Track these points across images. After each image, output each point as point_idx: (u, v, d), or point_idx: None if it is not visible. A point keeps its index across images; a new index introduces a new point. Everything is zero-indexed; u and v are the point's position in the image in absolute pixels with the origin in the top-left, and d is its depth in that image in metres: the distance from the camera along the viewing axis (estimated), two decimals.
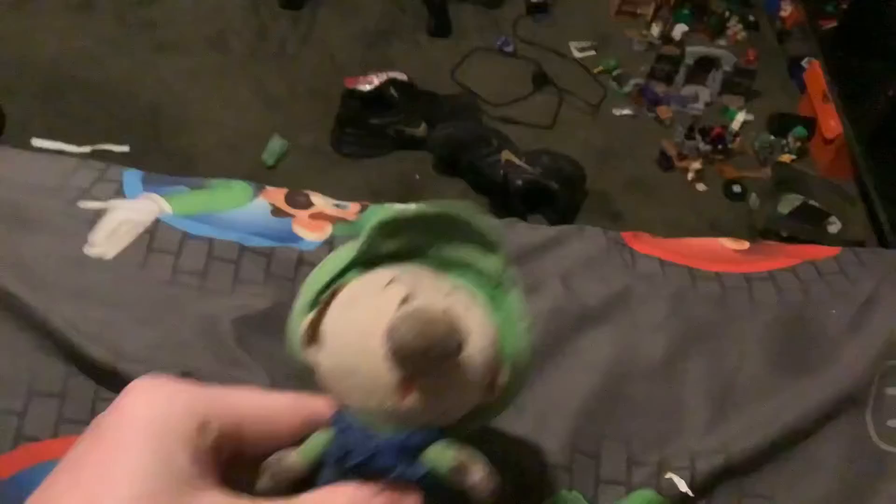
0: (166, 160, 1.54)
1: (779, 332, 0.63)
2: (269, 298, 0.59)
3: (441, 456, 0.35)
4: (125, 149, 1.46)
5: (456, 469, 0.34)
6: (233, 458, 0.34)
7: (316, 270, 0.40)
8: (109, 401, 0.52)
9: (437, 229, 0.39)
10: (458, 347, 0.33)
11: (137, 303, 0.57)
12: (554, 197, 1.61)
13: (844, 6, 1.94)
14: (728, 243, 0.73)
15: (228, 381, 0.53)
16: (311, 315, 0.38)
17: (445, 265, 0.40)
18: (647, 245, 0.71)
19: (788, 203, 1.70)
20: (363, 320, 0.35)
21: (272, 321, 0.58)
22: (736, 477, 0.56)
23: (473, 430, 0.39)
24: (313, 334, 0.38)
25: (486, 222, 0.39)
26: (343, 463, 0.35)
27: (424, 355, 0.33)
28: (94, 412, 0.52)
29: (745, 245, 0.73)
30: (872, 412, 0.59)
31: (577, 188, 1.67)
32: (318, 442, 0.35)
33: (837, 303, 0.65)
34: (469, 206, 0.39)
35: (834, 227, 1.67)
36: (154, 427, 0.30)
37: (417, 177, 1.67)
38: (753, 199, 1.72)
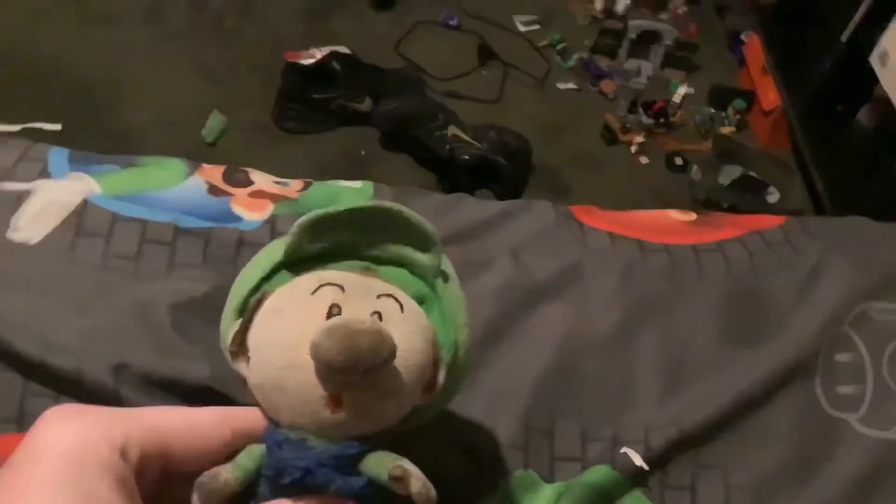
0: (101, 139, 1.47)
1: (728, 303, 0.63)
2: (209, 282, 0.56)
3: (379, 465, 0.34)
4: (57, 127, 1.40)
5: (395, 478, 0.33)
6: (162, 477, 0.32)
7: (243, 272, 0.39)
8: (39, 396, 0.49)
9: (369, 227, 0.38)
10: (387, 358, 0.32)
11: (66, 290, 0.54)
12: (501, 172, 1.60)
13: None
14: (676, 215, 0.73)
15: (167, 371, 0.51)
16: (236, 326, 0.36)
17: (378, 263, 0.38)
18: (596, 219, 0.70)
19: (729, 174, 1.72)
20: (289, 333, 0.34)
21: (212, 306, 0.55)
22: (690, 449, 0.56)
23: (411, 428, 0.38)
24: (240, 346, 0.36)
25: (419, 218, 0.38)
26: (278, 480, 0.34)
27: (352, 370, 0.32)
28: (22, 409, 0.49)
29: (693, 216, 0.73)
30: (822, 379, 0.60)
31: (523, 163, 1.66)
32: (251, 457, 0.34)
33: (784, 272, 0.66)
34: (400, 205, 0.37)
35: (773, 196, 1.70)
36: (70, 458, 0.29)
37: (363, 152, 1.64)
38: (695, 170, 1.74)
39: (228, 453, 0.34)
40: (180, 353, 0.52)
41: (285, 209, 0.63)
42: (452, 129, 1.61)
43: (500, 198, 0.77)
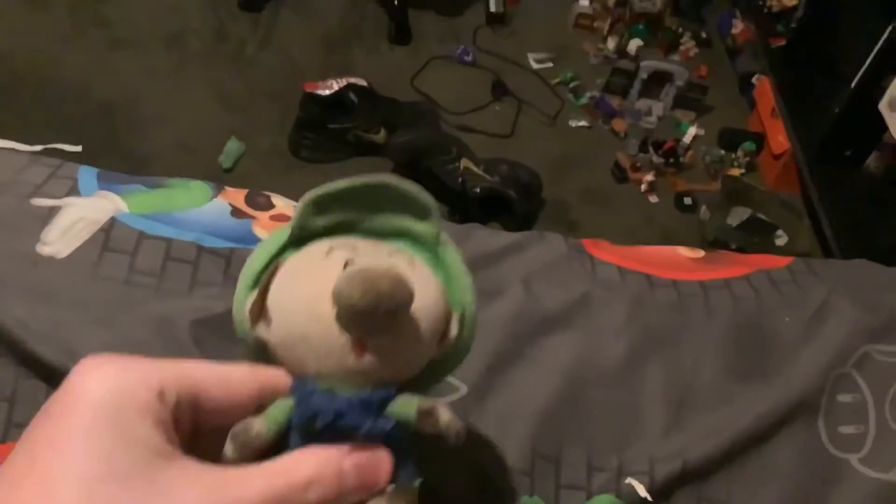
0: (120, 160, 1.50)
1: (734, 339, 0.64)
2: (228, 301, 0.57)
3: (407, 405, 0.35)
4: (78, 149, 1.42)
5: (424, 413, 0.34)
6: (194, 424, 0.33)
7: (253, 253, 0.40)
8: None
9: (368, 202, 0.39)
10: (407, 300, 0.33)
11: (92, 303, 0.55)
12: (512, 205, 1.62)
13: (794, 25, 2.00)
14: (684, 252, 0.74)
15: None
16: (253, 294, 0.37)
17: (380, 235, 0.40)
18: (606, 252, 0.72)
19: (737, 216, 1.74)
20: (308, 288, 0.35)
21: (231, 324, 0.57)
22: (694, 482, 0.57)
23: (431, 384, 0.39)
24: (259, 311, 0.37)
25: (416, 189, 0.39)
26: (309, 427, 0.34)
27: (373, 313, 0.32)
28: None
29: (701, 254, 0.74)
30: (825, 418, 0.61)
31: (534, 197, 1.69)
32: (280, 411, 0.35)
33: (790, 310, 0.67)
34: (396, 176, 0.39)
35: (781, 239, 1.72)
36: (109, 400, 0.29)
37: None
38: (704, 211, 1.76)
39: (256, 407, 0.35)
40: None
41: None
42: (465, 162, 1.64)
43: (510, 231, 0.79)
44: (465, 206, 1.60)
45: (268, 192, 0.69)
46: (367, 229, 0.39)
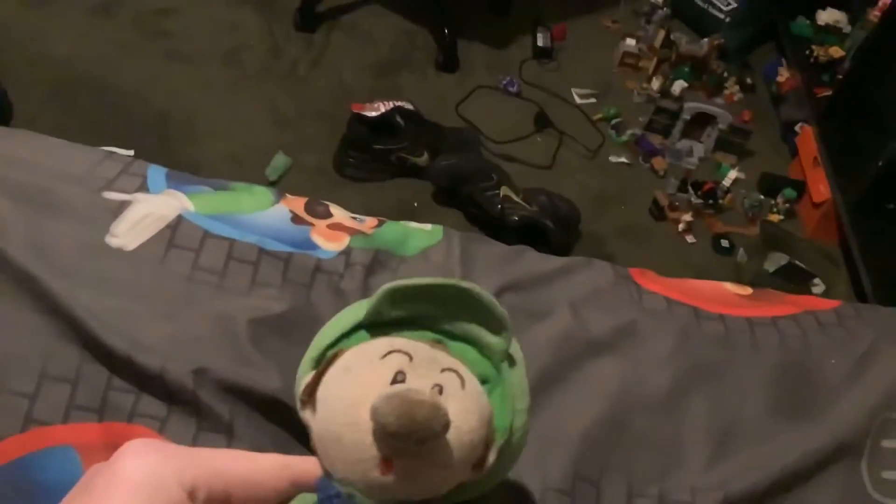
0: (170, 167, 1.54)
1: (780, 377, 0.64)
2: (285, 303, 0.60)
3: None
4: (130, 153, 1.46)
5: None
6: None
7: (326, 326, 0.42)
8: (121, 390, 0.53)
9: (446, 302, 0.40)
10: (441, 431, 0.34)
11: (155, 296, 0.57)
12: (548, 235, 1.63)
13: (840, 76, 2.00)
14: (731, 287, 0.75)
15: (241, 380, 0.53)
16: (309, 377, 0.39)
17: (450, 338, 0.41)
18: (652, 282, 0.72)
19: (774, 261, 1.73)
20: (354, 391, 0.37)
21: (287, 325, 0.59)
22: None
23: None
24: (310, 396, 0.39)
25: (493, 301, 0.40)
26: None
27: (406, 437, 0.34)
28: (104, 401, 0.52)
29: (748, 290, 0.75)
30: (868, 463, 0.61)
31: (571, 229, 1.69)
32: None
33: (837, 353, 0.67)
34: (478, 287, 0.40)
35: (818, 288, 1.70)
36: (144, 491, 0.32)
37: (416, 204, 1.69)
38: (741, 254, 1.75)
39: (282, 500, 0.37)
40: (255, 365, 0.55)
41: (360, 243, 0.66)
42: (505, 190, 1.65)
43: None
44: (501, 234, 1.61)
45: (326, 202, 0.71)
46: (438, 328, 0.41)
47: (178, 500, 0.33)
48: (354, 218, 0.70)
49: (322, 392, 0.39)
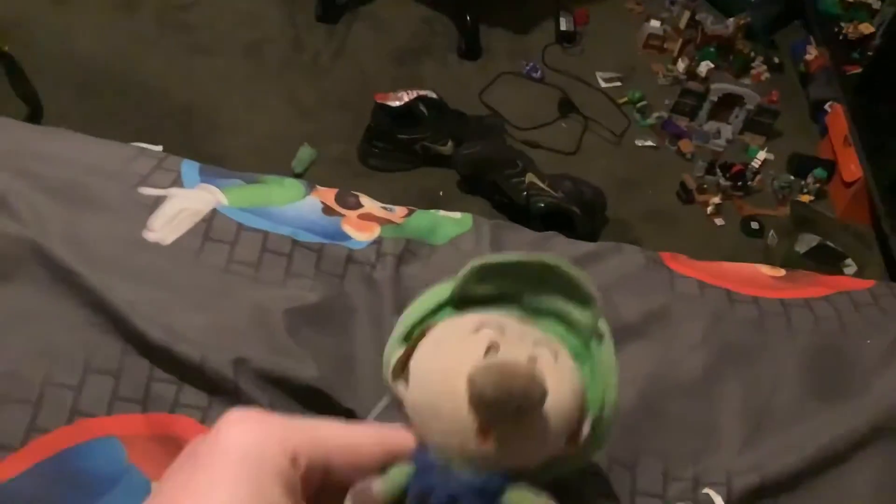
0: (196, 161, 1.56)
1: (814, 359, 0.64)
2: (319, 293, 0.60)
3: (521, 499, 0.36)
4: (159, 148, 1.48)
5: None
6: (321, 484, 0.35)
7: (412, 305, 0.42)
8: (163, 381, 0.54)
9: (532, 278, 0.40)
10: (538, 401, 0.35)
11: (192, 288, 0.58)
12: (574, 221, 1.62)
13: (870, 53, 1.96)
14: (765, 269, 0.74)
15: (279, 369, 0.54)
16: (400, 351, 0.39)
17: (536, 314, 0.40)
18: (684, 266, 0.72)
19: (805, 243, 1.71)
20: (449, 362, 0.37)
21: (321, 315, 0.59)
22: (770, 496, 0.57)
23: (549, 478, 0.39)
24: (403, 368, 0.39)
25: (582, 275, 0.39)
26: (424, 501, 0.36)
27: (504, 406, 0.34)
28: (147, 392, 0.53)
29: (782, 272, 0.74)
30: None
31: (597, 214, 1.69)
32: (400, 474, 0.37)
33: (872, 333, 0.66)
34: (564, 259, 0.39)
35: (850, 269, 1.68)
36: (249, 460, 0.32)
37: (441, 193, 1.69)
38: (771, 236, 1.73)
39: (379, 469, 0.37)
40: (292, 354, 0.55)
41: (391, 232, 0.67)
42: (530, 177, 1.65)
43: None
44: (528, 221, 1.61)
45: (357, 193, 0.71)
46: (525, 304, 0.40)
47: (282, 467, 0.33)
48: (385, 208, 0.71)
49: (415, 365, 0.39)
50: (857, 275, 1.65)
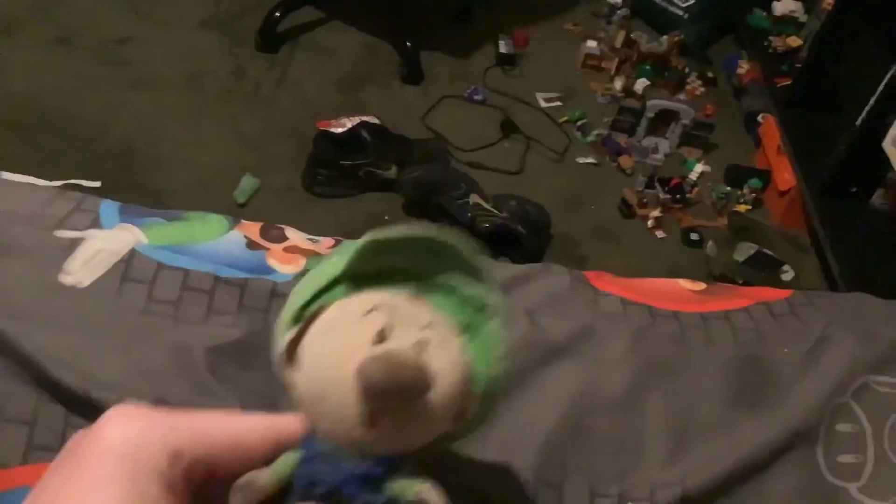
0: (138, 196, 1.52)
1: (734, 370, 0.66)
2: (242, 328, 0.60)
3: (405, 488, 0.37)
4: (96, 184, 1.46)
5: (417, 502, 0.36)
6: (206, 479, 0.35)
7: (301, 283, 0.41)
8: (79, 427, 0.53)
9: (424, 253, 0.40)
10: (425, 390, 0.35)
11: (111, 330, 0.58)
12: (520, 240, 1.64)
13: (798, 65, 2.03)
14: (685, 284, 0.76)
15: (200, 408, 0.54)
16: (290, 334, 0.39)
17: (430, 288, 0.41)
18: (608, 284, 0.73)
19: (744, 251, 1.75)
20: (337, 349, 0.37)
21: (245, 351, 0.59)
22: None
23: (433, 454, 0.40)
24: (291, 354, 0.39)
25: (473, 250, 0.40)
26: (310, 490, 0.36)
27: (392, 397, 0.35)
28: (64, 439, 0.52)
29: (702, 286, 0.76)
30: (824, 448, 0.62)
31: (542, 232, 1.71)
32: (286, 463, 0.37)
33: (790, 342, 0.68)
34: (457, 233, 0.40)
35: (788, 275, 1.73)
36: (128, 459, 0.32)
37: (387, 217, 1.70)
38: (710, 246, 1.78)
39: (267, 460, 0.37)
40: (213, 394, 0.55)
41: (316, 264, 0.67)
42: (474, 198, 1.66)
43: None
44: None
45: (282, 226, 0.71)
46: (417, 278, 0.40)
47: (162, 465, 0.33)
48: (311, 239, 0.71)
49: (305, 350, 0.38)
50: (795, 279, 1.70)
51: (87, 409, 0.53)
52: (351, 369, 0.35)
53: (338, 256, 0.40)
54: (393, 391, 0.34)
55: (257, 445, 0.37)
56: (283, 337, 0.39)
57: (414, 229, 0.39)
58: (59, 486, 0.32)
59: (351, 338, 0.37)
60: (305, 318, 0.39)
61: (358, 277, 0.40)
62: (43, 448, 0.52)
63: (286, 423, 0.38)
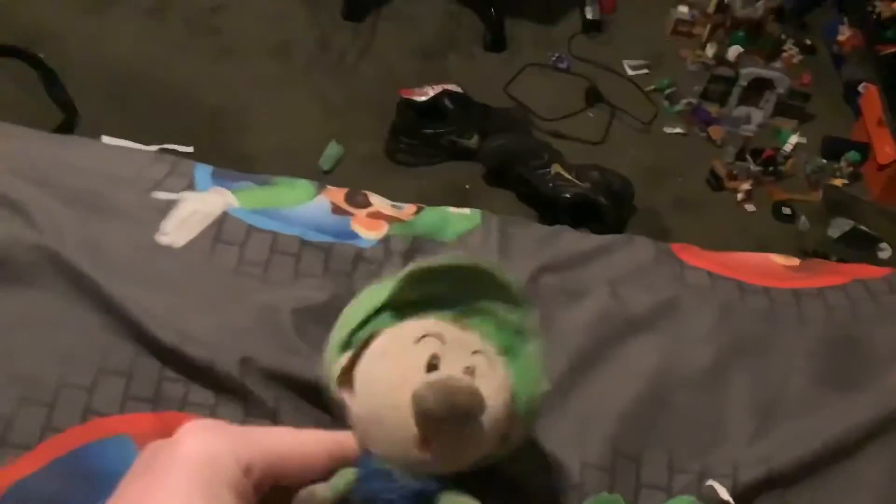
0: (227, 162, 1.56)
1: (826, 349, 0.63)
2: (328, 291, 0.62)
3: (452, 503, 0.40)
4: (190, 149, 1.52)
5: None
6: (272, 491, 0.38)
7: (348, 309, 0.44)
8: (173, 381, 0.55)
9: (464, 280, 0.43)
10: (479, 414, 0.38)
11: (204, 290, 0.60)
12: (602, 212, 1.61)
13: None
14: (778, 259, 0.73)
15: (285, 368, 0.56)
16: (344, 359, 0.42)
17: (469, 313, 0.43)
18: (696, 257, 0.71)
19: (839, 227, 1.67)
20: (392, 374, 0.40)
21: (329, 313, 0.60)
22: (778, 489, 0.56)
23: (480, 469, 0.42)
24: (346, 376, 0.42)
25: (510, 279, 0.43)
26: None
27: (447, 421, 0.37)
28: (158, 391, 0.55)
29: (796, 262, 0.73)
30: None
31: (625, 204, 1.67)
32: (345, 479, 0.40)
33: (887, 323, 0.65)
34: (496, 263, 0.43)
35: (885, 252, 1.64)
36: (204, 470, 0.34)
37: (468, 186, 1.70)
38: (803, 221, 1.70)
39: (326, 473, 0.40)
40: (299, 353, 0.57)
41: (399, 230, 0.68)
42: (556, 168, 1.64)
43: None
44: (554, 212, 1.61)
45: (366, 192, 0.72)
46: (455, 303, 0.43)
47: (235, 477, 0.35)
48: (394, 205, 0.72)
49: (360, 374, 0.41)
50: (893, 257, 1.61)
51: (180, 364, 0.55)
52: (406, 394, 0.38)
53: (381, 284, 0.43)
54: (448, 416, 0.37)
55: (319, 460, 0.39)
56: (335, 361, 0.42)
57: (454, 258, 0.43)
58: (140, 493, 0.34)
59: (405, 363, 0.40)
60: (356, 344, 0.42)
61: (402, 304, 0.43)
62: (139, 399, 0.55)
63: (344, 441, 0.41)
